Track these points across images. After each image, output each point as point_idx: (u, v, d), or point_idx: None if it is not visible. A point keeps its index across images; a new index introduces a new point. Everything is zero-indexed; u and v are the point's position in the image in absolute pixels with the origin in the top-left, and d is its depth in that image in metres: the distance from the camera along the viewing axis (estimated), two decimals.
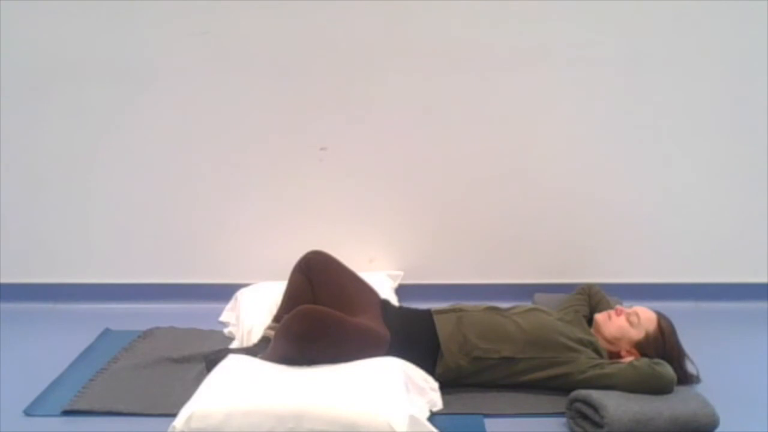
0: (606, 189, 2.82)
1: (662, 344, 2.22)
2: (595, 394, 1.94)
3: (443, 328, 2.19)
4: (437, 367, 2.15)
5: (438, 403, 2.08)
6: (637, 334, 2.24)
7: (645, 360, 2.08)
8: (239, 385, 1.90)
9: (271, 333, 2.23)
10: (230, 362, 2.03)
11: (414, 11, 2.61)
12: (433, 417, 1.99)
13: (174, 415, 1.82)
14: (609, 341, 2.27)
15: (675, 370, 2.06)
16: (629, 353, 2.24)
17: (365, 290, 2.38)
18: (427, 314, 2.27)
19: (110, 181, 2.79)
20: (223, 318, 2.71)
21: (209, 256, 2.86)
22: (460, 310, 2.27)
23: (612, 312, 2.31)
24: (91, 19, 2.61)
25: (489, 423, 2.03)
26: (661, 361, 2.07)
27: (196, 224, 2.84)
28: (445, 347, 2.15)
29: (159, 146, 2.75)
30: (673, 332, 2.25)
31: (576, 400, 2.00)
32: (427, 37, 2.64)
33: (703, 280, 2.89)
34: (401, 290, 2.79)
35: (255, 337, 2.34)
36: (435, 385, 2.13)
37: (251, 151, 2.77)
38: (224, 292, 2.74)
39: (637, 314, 2.26)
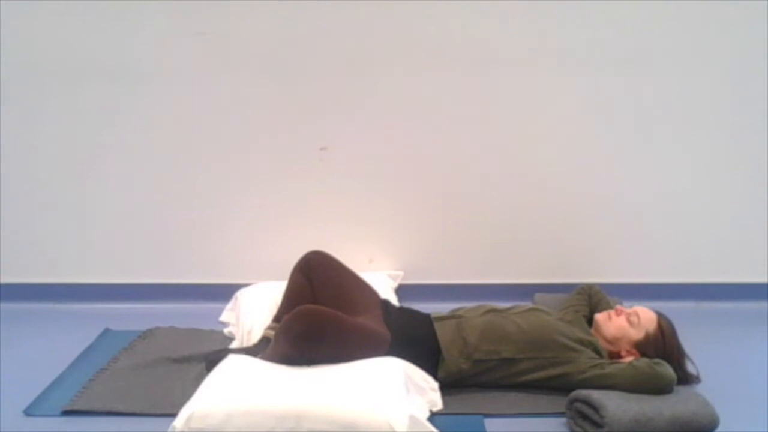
0: (606, 189, 2.82)
1: (662, 344, 2.22)
2: (595, 394, 1.94)
3: (443, 334, 2.19)
4: (439, 371, 2.15)
5: (438, 403, 2.08)
6: (637, 334, 2.24)
7: (645, 360, 2.08)
8: (239, 385, 1.90)
9: (271, 333, 2.23)
10: (230, 362, 2.03)
11: (414, 11, 2.61)
12: (433, 417, 1.99)
13: (174, 415, 1.82)
14: (609, 341, 2.27)
15: (675, 370, 2.06)
16: (629, 353, 2.24)
17: (365, 290, 2.38)
18: (427, 318, 2.27)
19: (110, 180, 2.79)
20: (223, 318, 2.71)
21: (209, 256, 2.86)
22: (460, 316, 2.27)
23: (612, 312, 2.31)
24: (91, 19, 2.61)
25: (489, 423, 2.03)
26: (661, 361, 2.07)
27: (196, 224, 2.84)
28: (447, 352, 2.15)
29: (158, 146, 2.75)
30: (673, 332, 2.25)
31: (576, 400, 2.00)
32: (427, 36, 2.64)
33: (703, 280, 2.89)
34: (401, 290, 2.79)
35: (255, 337, 2.34)
36: (435, 385, 2.13)
37: (251, 151, 2.77)
38: (224, 292, 2.74)
39: (637, 314, 2.26)
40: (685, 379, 2.19)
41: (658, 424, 1.87)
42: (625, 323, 2.26)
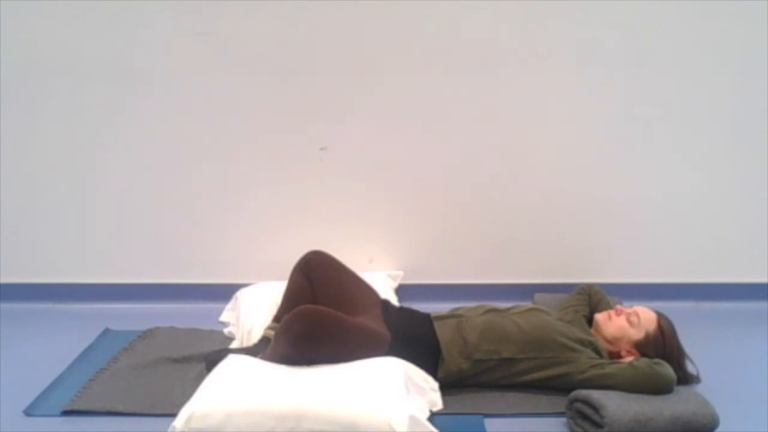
0: (606, 189, 2.82)
1: (662, 344, 2.22)
2: (595, 394, 1.95)
3: (443, 333, 2.19)
4: (439, 372, 2.15)
5: (438, 403, 2.08)
6: (636, 334, 2.24)
7: (645, 360, 2.08)
8: (239, 385, 1.90)
9: (271, 333, 2.23)
10: (230, 362, 2.03)
11: (414, 11, 2.61)
12: (433, 417, 1.99)
13: (174, 415, 1.82)
14: (609, 341, 2.27)
15: (675, 370, 2.07)
16: (629, 353, 2.24)
17: (365, 290, 2.38)
18: (427, 318, 2.27)
19: (110, 180, 2.79)
20: (223, 318, 2.71)
21: (209, 256, 2.86)
22: (460, 315, 2.27)
23: (612, 312, 2.32)
24: (91, 19, 2.61)
25: (489, 423, 2.03)
26: (661, 361, 2.07)
27: (196, 224, 2.84)
28: (447, 352, 2.15)
29: (158, 146, 2.75)
30: (673, 332, 2.25)
31: (576, 400, 2.00)
32: (427, 37, 2.64)
33: (703, 280, 2.89)
34: (401, 290, 2.79)
35: (255, 337, 2.34)
36: (435, 385, 2.13)
37: (251, 152, 2.77)
38: (224, 292, 2.74)
39: (637, 314, 2.26)
40: (685, 379, 2.19)
41: (658, 424, 1.87)
42: (625, 323, 2.26)
